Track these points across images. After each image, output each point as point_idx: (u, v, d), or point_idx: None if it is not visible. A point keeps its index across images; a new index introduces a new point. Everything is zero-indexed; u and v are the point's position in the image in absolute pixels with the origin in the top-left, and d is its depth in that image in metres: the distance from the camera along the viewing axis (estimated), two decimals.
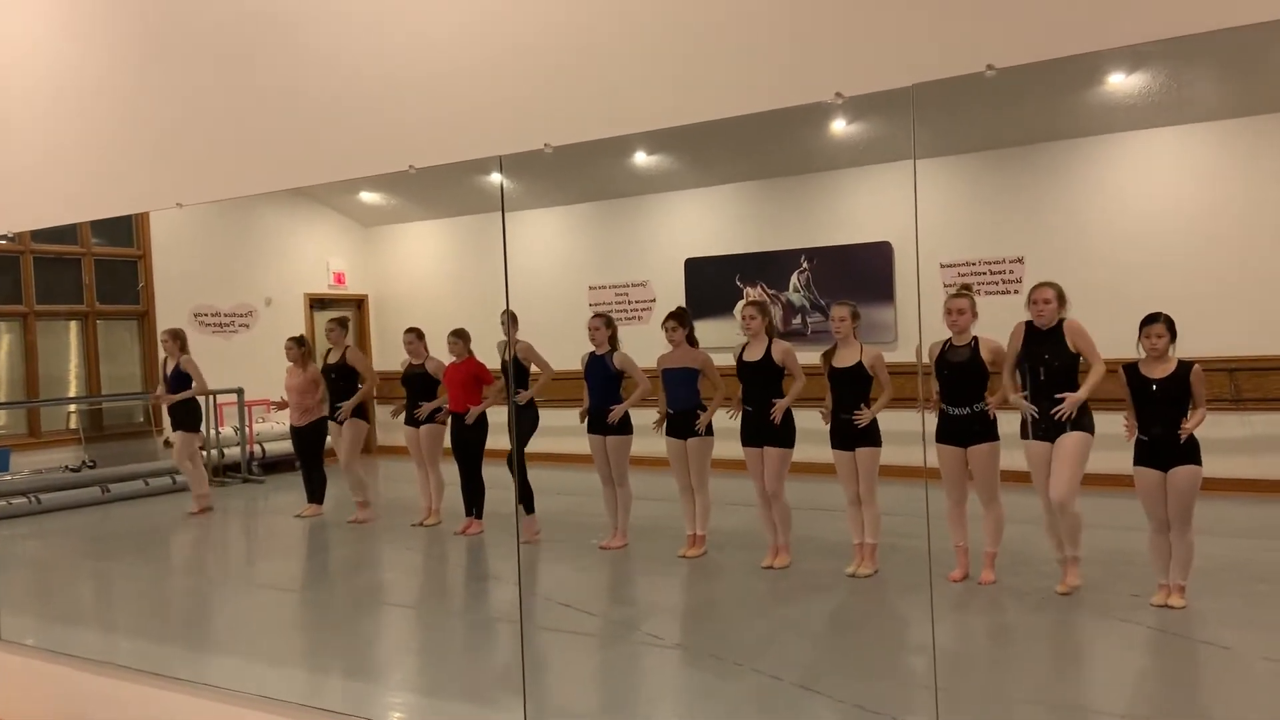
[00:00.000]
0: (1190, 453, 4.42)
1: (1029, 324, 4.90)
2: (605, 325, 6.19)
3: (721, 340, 7.60)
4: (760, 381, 5.54)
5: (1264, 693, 3.74)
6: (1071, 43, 2.57)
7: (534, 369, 6.49)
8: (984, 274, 6.64)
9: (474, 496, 6.47)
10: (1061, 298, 4.83)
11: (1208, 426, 5.65)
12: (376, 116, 3.89)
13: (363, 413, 6.99)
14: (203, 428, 7.52)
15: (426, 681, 4.48)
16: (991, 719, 3.68)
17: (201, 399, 7.31)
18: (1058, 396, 4.67)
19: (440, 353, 6.69)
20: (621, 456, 6.10)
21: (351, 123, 3.96)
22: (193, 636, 5.27)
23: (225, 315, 8.09)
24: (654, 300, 7.87)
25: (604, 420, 6.09)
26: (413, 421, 6.84)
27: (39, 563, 6.87)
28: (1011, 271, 6.57)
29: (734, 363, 5.69)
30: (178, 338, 7.41)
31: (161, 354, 7.50)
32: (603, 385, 6.13)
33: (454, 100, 3.70)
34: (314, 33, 4.06)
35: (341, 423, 7.00)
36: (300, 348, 7.17)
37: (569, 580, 5.78)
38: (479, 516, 6.46)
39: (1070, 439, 4.68)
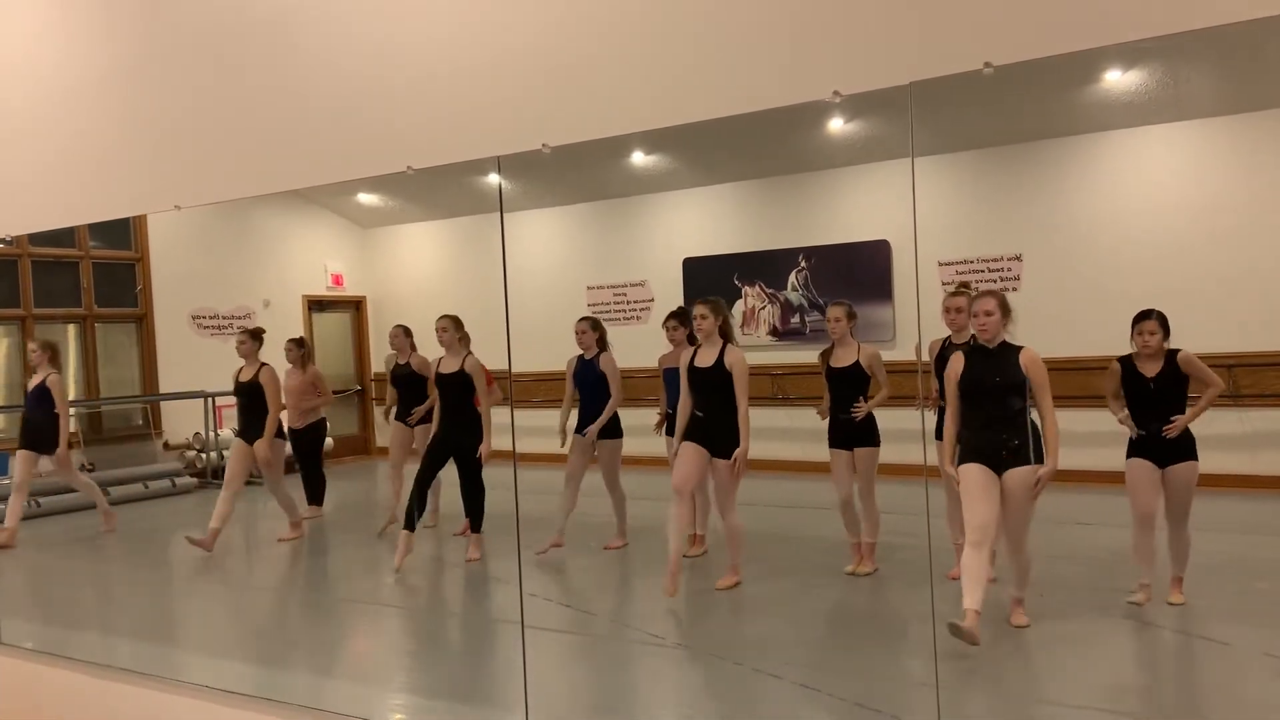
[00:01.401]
0: (1188, 448, 4.37)
1: (950, 342, 4.69)
2: (592, 328, 6.06)
3: None
4: (714, 388, 5.14)
5: (1264, 688, 3.74)
6: (1069, 40, 2.57)
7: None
8: (982, 271, 6.66)
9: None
10: (1005, 309, 4.26)
11: (1204, 423, 5.66)
12: (374, 117, 3.89)
13: (281, 432, 6.75)
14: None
15: (428, 683, 4.48)
16: (992, 717, 3.68)
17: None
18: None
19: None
20: (613, 461, 6.03)
21: (349, 124, 3.96)
22: (192, 639, 5.27)
23: (224, 318, 8.10)
24: (652, 300, 7.89)
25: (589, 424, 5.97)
26: (404, 420, 6.74)
27: (38, 566, 6.86)
28: (1010, 269, 6.58)
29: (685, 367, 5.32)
30: (48, 349, 7.02)
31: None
32: (591, 389, 6.03)
33: (452, 101, 3.70)
34: (311, 35, 4.06)
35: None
36: (300, 349, 7.11)
37: (569, 581, 5.78)
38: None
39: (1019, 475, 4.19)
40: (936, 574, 4.90)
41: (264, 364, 6.67)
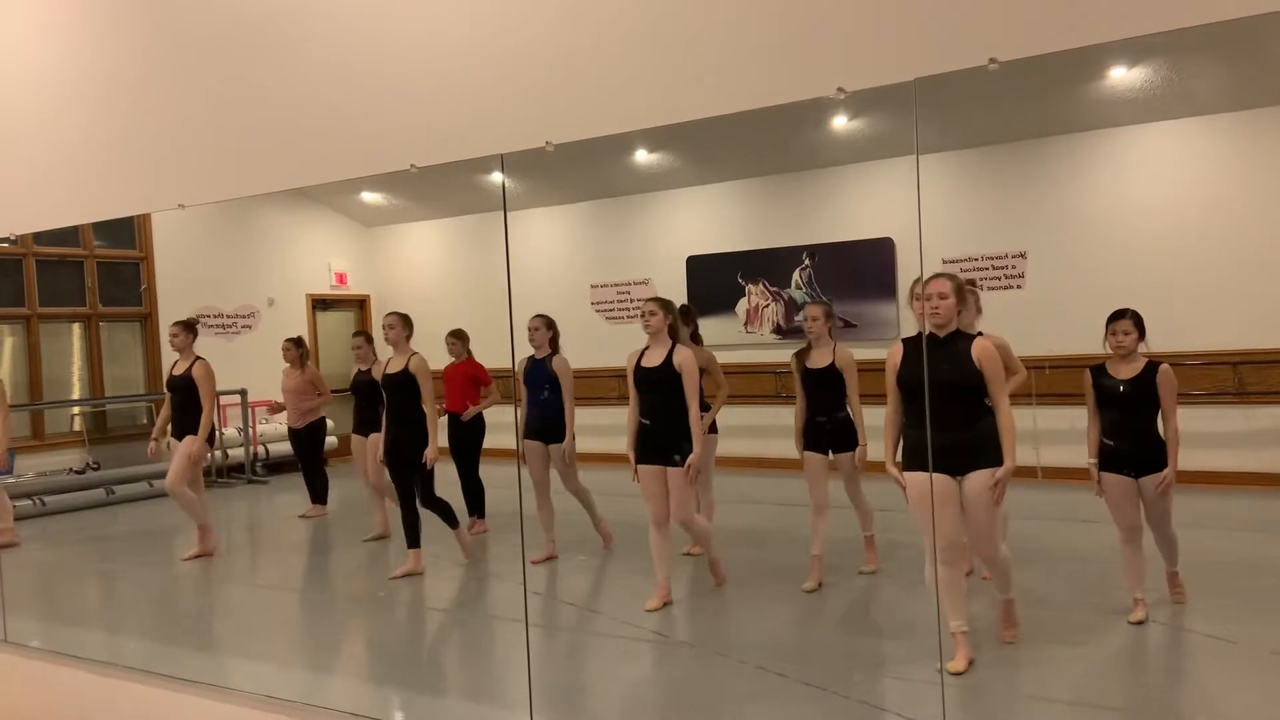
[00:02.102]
0: (1161, 459, 4.13)
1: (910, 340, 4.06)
2: (546, 326, 5.80)
3: (723, 338, 7.61)
4: (661, 389, 4.85)
5: (1271, 687, 3.73)
6: (1075, 35, 2.56)
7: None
8: (986, 269, 6.65)
9: (475, 496, 6.45)
10: (961, 293, 3.87)
11: (1210, 420, 5.65)
12: (378, 116, 3.89)
13: (210, 433, 6.42)
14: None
15: (432, 681, 4.48)
16: (998, 715, 3.67)
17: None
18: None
19: (440, 352, 6.58)
20: (564, 464, 5.81)
21: (353, 122, 3.96)
22: (197, 637, 5.28)
23: (228, 316, 8.10)
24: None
25: (543, 427, 5.79)
26: (362, 430, 6.49)
27: (44, 565, 6.88)
28: (1014, 266, 6.56)
29: (631, 369, 5.02)
30: None
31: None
32: (539, 390, 5.80)
33: (455, 98, 3.70)
34: (315, 33, 4.06)
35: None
36: (297, 349, 7.03)
37: (573, 579, 5.78)
38: (481, 515, 6.46)
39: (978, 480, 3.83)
40: None
41: (198, 358, 6.41)
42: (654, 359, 4.90)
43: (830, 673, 4.07)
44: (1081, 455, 4.31)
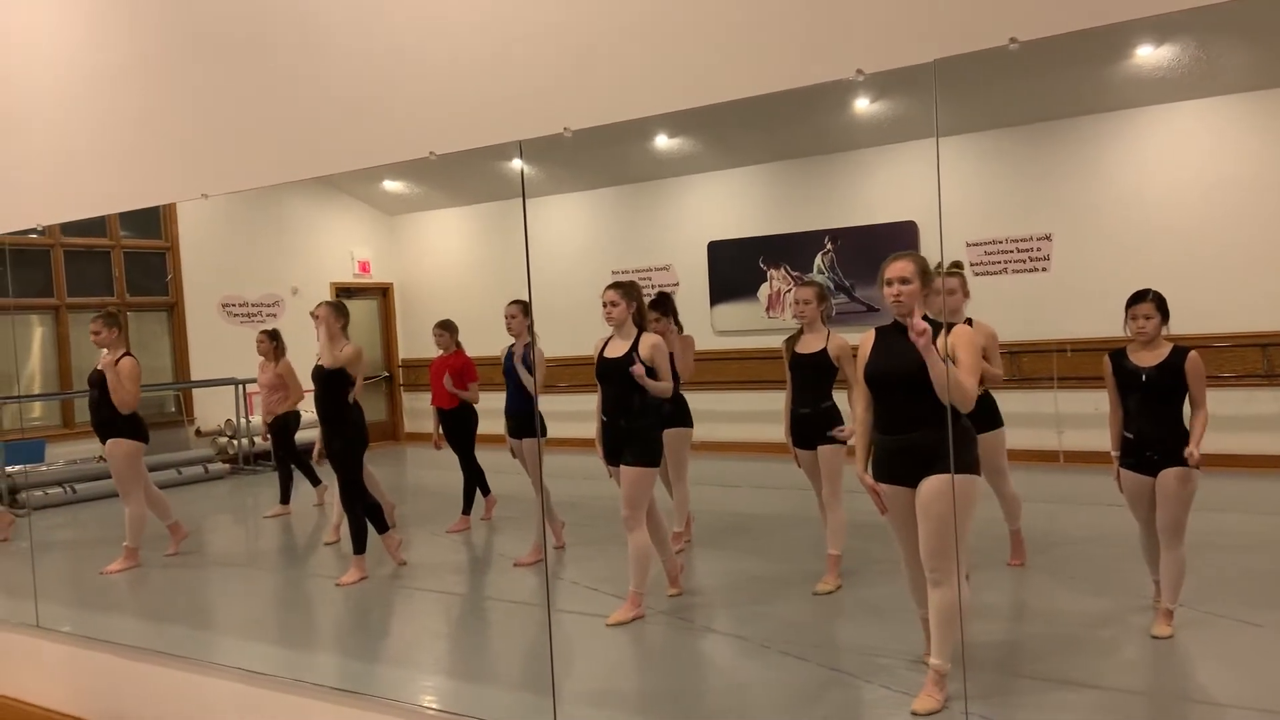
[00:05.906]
0: (1182, 454, 3.81)
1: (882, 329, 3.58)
2: (524, 313, 5.52)
3: (745, 324, 7.59)
4: (624, 381, 4.53)
5: None
6: (1096, 13, 2.53)
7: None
8: (1011, 252, 6.58)
9: (479, 479, 6.46)
10: (926, 275, 3.42)
11: (1239, 403, 5.57)
12: (398, 104, 3.90)
13: (138, 430, 6.10)
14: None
15: (456, 665, 4.52)
16: (1019, 699, 3.66)
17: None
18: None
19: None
20: (534, 459, 5.59)
21: (373, 110, 3.97)
22: (221, 622, 5.35)
23: (253, 305, 8.16)
24: (677, 284, 7.87)
25: (522, 422, 5.69)
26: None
27: (75, 551, 6.98)
28: (1039, 249, 6.50)
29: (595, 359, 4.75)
30: None
31: None
32: (516, 380, 5.61)
33: (474, 86, 3.70)
34: (335, 21, 4.07)
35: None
36: (271, 342, 6.89)
37: (594, 565, 5.79)
38: (487, 493, 6.50)
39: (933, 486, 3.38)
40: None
41: (126, 353, 6.09)
42: (617, 349, 4.59)
43: (852, 658, 4.07)
44: (1104, 439, 4.23)
